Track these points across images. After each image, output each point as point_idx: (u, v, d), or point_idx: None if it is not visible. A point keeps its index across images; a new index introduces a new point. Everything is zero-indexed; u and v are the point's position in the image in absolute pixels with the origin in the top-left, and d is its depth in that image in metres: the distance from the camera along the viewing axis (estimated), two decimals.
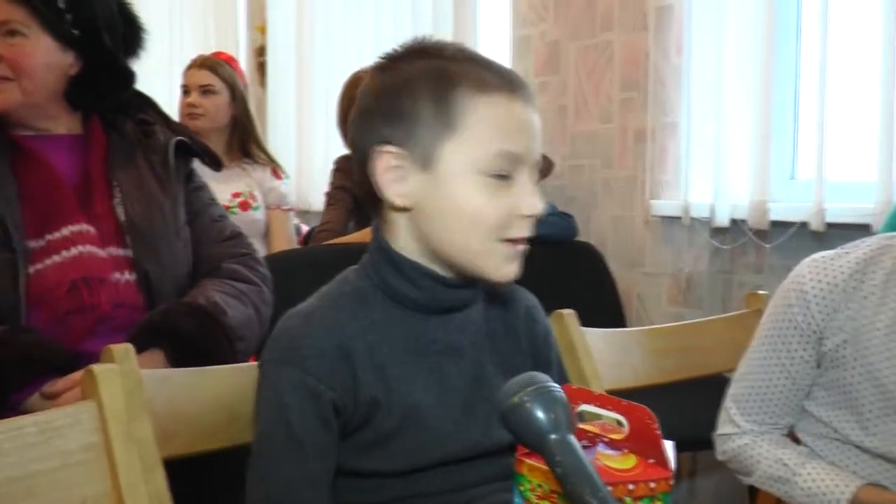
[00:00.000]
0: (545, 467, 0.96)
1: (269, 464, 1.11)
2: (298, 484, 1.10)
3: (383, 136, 1.14)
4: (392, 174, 1.14)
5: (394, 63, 1.18)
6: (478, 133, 1.12)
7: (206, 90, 3.29)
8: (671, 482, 0.97)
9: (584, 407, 1.03)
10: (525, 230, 1.15)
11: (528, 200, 1.13)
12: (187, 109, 3.28)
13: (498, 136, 1.12)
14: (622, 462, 0.99)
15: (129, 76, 1.88)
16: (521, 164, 1.13)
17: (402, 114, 1.13)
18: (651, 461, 0.99)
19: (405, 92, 1.14)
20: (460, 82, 1.12)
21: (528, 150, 1.14)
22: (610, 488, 0.92)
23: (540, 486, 0.97)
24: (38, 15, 1.72)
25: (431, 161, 1.13)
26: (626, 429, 1.01)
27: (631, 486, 0.95)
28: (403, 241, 1.18)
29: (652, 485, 0.96)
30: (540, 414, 0.91)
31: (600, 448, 1.02)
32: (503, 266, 1.15)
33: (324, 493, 1.13)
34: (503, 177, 1.12)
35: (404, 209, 1.16)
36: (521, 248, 1.16)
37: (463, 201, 1.12)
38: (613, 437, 1.02)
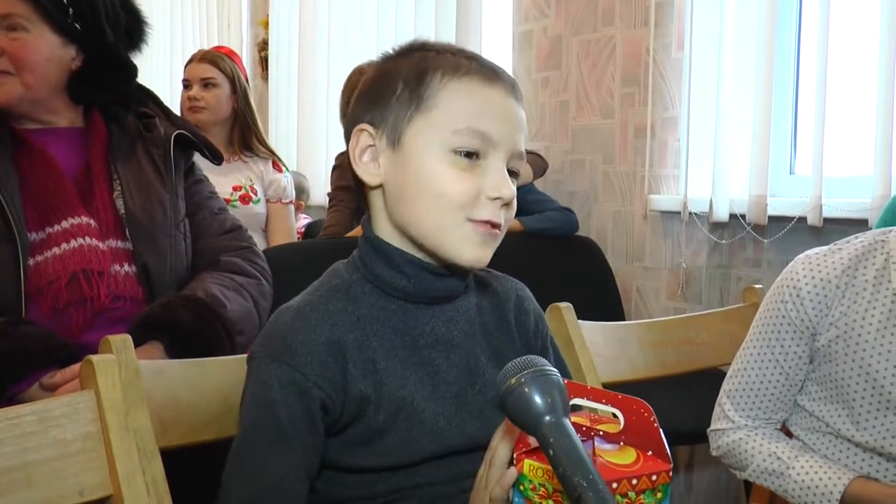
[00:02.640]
0: (548, 466, 0.97)
1: (257, 458, 1.10)
2: (288, 478, 1.10)
3: (361, 118, 1.19)
4: (367, 154, 1.19)
5: (388, 59, 1.22)
6: (447, 111, 1.13)
7: (207, 83, 3.30)
8: (670, 474, 0.98)
9: (579, 402, 1.03)
10: (493, 213, 1.14)
11: (497, 184, 1.13)
12: (189, 103, 3.29)
13: (468, 114, 1.13)
14: (622, 457, 0.99)
15: (131, 70, 1.88)
16: (494, 147, 1.14)
17: (380, 97, 1.18)
18: (650, 453, 1.00)
19: (387, 80, 1.18)
20: (437, 68, 1.15)
21: (501, 135, 1.14)
22: (614, 483, 0.93)
23: (543, 485, 0.98)
24: (40, 9, 1.73)
25: (399, 139, 1.16)
26: (622, 422, 1.01)
27: (634, 481, 0.95)
28: (382, 225, 1.21)
29: (654, 477, 0.97)
30: (536, 397, 0.93)
31: (597, 443, 1.02)
32: (468, 247, 1.15)
33: (307, 488, 1.13)
34: (471, 156, 1.13)
35: (377, 187, 1.19)
36: (492, 232, 1.15)
37: (429, 177, 1.13)
38: (606, 429, 1.02)
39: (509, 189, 1.14)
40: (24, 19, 1.72)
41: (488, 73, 1.16)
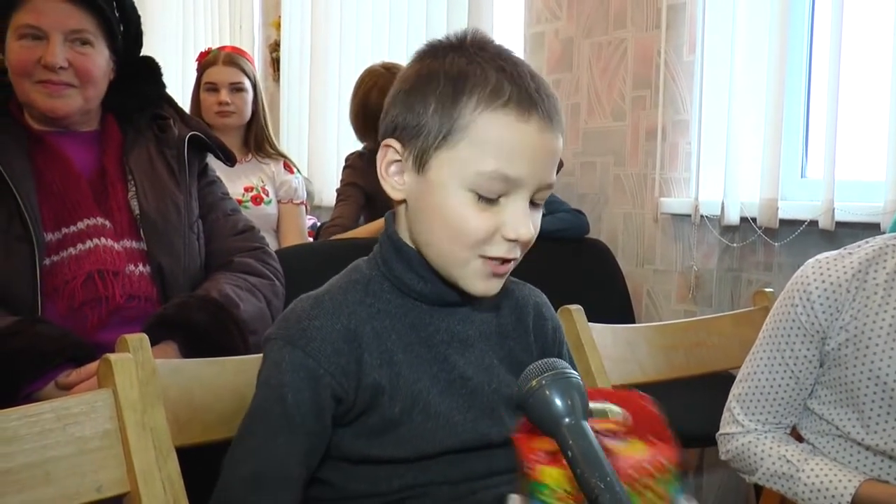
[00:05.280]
0: (564, 470, 0.98)
1: (261, 438, 1.12)
2: (288, 460, 1.11)
3: (393, 131, 1.17)
4: (393, 167, 1.18)
5: (433, 52, 1.18)
6: (475, 148, 1.10)
7: (235, 87, 3.28)
8: (679, 455, 0.99)
9: None
10: (507, 251, 1.13)
11: (516, 224, 1.11)
12: (218, 107, 3.26)
13: (496, 155, 1.10)
14: (633, 450, 1.00)
15: (162, 84, 1.93)
16: (518, 186, 1.11)
17: (412, 113, 1.14)
18: (652, 438, 1.00)
19: (423, 91, 1.14)
20: (473, 92, 1.10)
21: (528, 175, 1.11)
22: (633, 471, 0.94)
23: (564, 489, 0.98)
24: (106, 26, 1.78)
25: (424, 166, 1.14)
26: (625, 416, 1.02)
27: (649, 467, 0.96)
28: (403, 230, 1.21)
29: (666, 462, 0.98)
30: (557, 399, 0.94)
31: (607, 441, 1.03)
32: (477, 281, 1.15)
33: (307, 473, 1.14)
34: (492, 199, 1.11)
35: (401, 201, 1.19)
36: (503, 269, 1.15)
37: (448, 211, 1.12)
38: (608, 426, 1.03)
39: (527, 230, 1.12)
40: (91, 35, 1.77)
41: (526, 103, 1.10)
